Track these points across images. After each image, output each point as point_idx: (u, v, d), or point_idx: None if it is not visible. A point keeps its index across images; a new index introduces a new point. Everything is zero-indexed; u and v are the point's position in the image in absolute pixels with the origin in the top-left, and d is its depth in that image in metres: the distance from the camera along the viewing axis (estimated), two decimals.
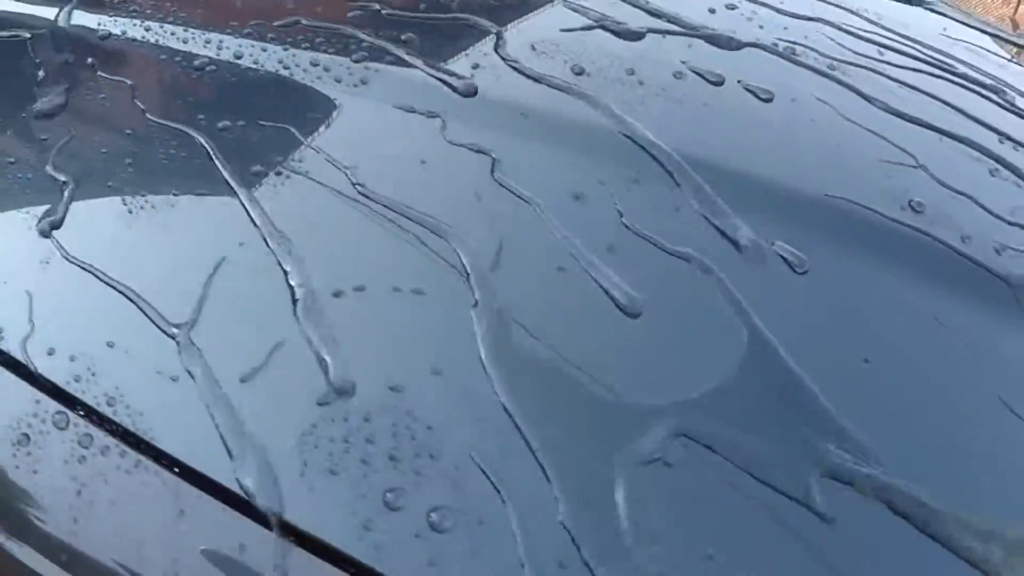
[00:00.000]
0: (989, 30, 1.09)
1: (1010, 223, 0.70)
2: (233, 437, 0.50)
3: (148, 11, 0.76)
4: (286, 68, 0.70)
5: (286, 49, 0.71)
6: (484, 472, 0.48)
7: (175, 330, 0.55)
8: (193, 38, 0.72)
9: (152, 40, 0.73)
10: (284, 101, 0.69)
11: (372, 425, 0.50)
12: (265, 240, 0.59)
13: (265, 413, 0.51)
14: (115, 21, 0.75)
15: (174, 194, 0.62)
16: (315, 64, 0.70)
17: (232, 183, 0.62)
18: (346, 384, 0.51)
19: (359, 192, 0.62)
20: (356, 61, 0.70)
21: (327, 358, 0.53)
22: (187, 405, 0.52)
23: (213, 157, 0.64)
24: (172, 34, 0.73)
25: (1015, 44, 1.09)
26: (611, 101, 0.69)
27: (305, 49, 0.71)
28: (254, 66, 0.70)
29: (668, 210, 0.62)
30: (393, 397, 0.51)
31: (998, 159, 0.75)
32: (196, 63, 0.71)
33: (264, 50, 0.71)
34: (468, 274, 0.57)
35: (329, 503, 0.48)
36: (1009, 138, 0.78)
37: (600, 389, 0.52)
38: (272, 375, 0.53)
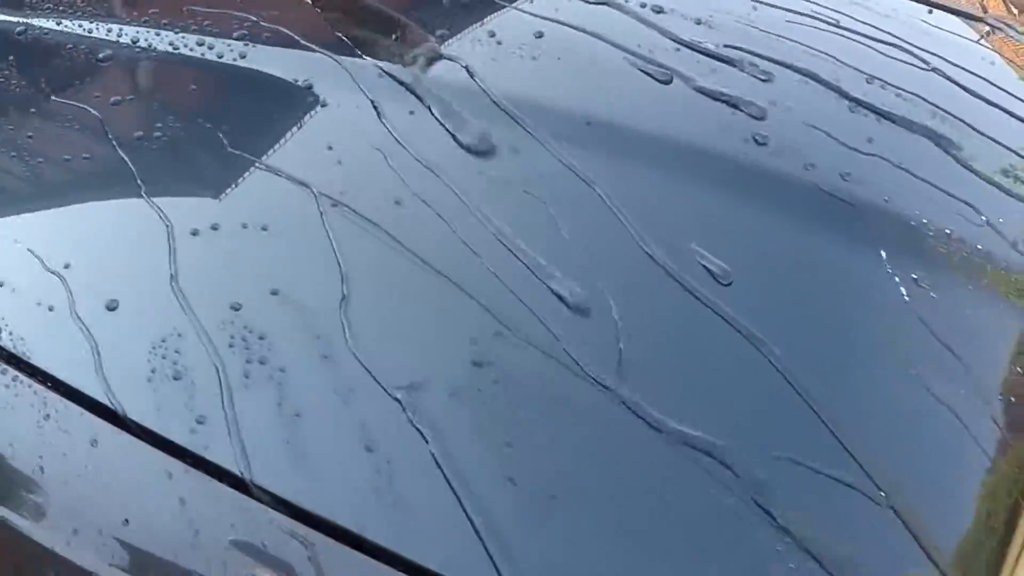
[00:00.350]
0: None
1: (862, 153, 0.76)
2: (98, 354, 0.58)
3: (61, 7, 0.85)
4: (175, 48, 0.78)
5: (176, 32, 0.79)
6: (313, 376, 0.56)
7: (58, 270, 0.63)
8: (97, 28, 0.81)
9: (61, 30, 0.82)
10: (171, 76, 0.77)
11: (213, 340, 0.57)
12: (141, 191, 0.67)
13: (122, 334, 0.59)
14: (31, 19, 0.84)
15: (65, 158, 0.70)
16: (200, 43, 0.78)
17: (117, 146, 0.70)
18: (195, 306, 0.59)
19: (228, 147, 0.70)
20: (237, 39, 0.78)
21: (181, 286, 0.60)
22: (61, 330, 0.60)
23: (103, 126, 0.72)
24: (80, 26, 0.82)
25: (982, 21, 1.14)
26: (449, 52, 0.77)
27: (193, 32, 0.79)
28: (147, 48, 0.79)
29: (495, 151, 0.70)
30: (232, 314, 0.58)
31: (856, 99, 0.80)
32: (98, 49, 0.79)
33: (158, 35, 0.79)
34: (321, 214, 0.64)
35: (172, 404, 0.55)
36: (878, 78, 0.84)
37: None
38: (132, 304, 0.60)
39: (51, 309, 0.60)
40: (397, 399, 0.54)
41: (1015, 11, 1.37)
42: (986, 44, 1.11)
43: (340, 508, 0.51)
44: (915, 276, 0.68)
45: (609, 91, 0.75)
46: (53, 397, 0.56)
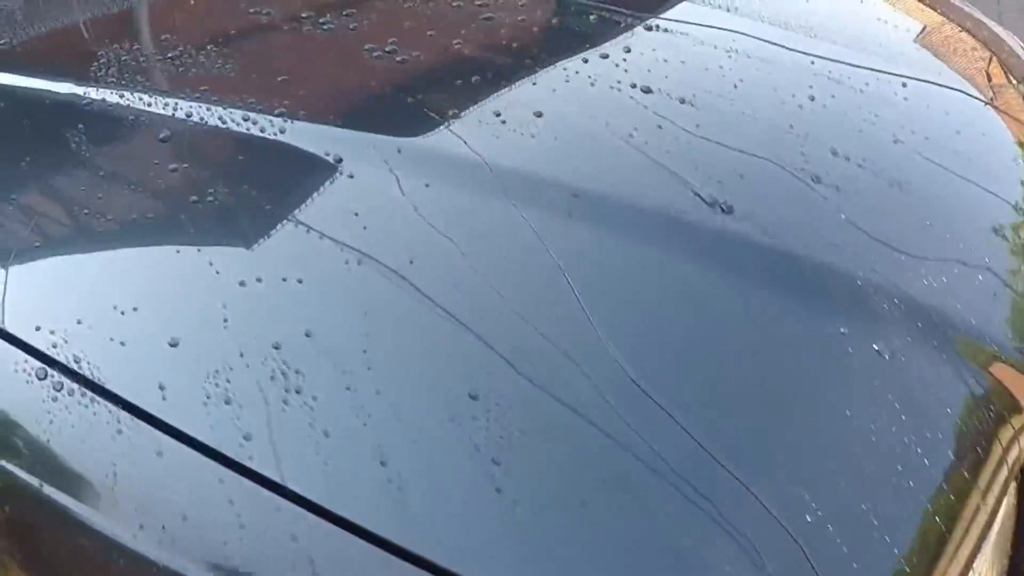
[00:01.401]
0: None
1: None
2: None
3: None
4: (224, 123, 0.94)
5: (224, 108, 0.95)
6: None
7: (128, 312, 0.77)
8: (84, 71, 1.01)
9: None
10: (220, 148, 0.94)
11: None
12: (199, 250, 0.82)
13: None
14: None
15: (132, 217, 0.86)
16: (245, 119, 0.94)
17: (177, 210, 0.85)
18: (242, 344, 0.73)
19: (267, 209, 0.85)
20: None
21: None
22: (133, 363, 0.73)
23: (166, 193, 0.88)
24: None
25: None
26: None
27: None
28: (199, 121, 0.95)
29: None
30: (271, 351, 0.72)
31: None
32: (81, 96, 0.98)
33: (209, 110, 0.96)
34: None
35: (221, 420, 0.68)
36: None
37: None
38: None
39: (123, 344, 0.74)
40: None
41: (1014, 80, 1.52)
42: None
43: None
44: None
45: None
46: (124, 415, 0.69)
